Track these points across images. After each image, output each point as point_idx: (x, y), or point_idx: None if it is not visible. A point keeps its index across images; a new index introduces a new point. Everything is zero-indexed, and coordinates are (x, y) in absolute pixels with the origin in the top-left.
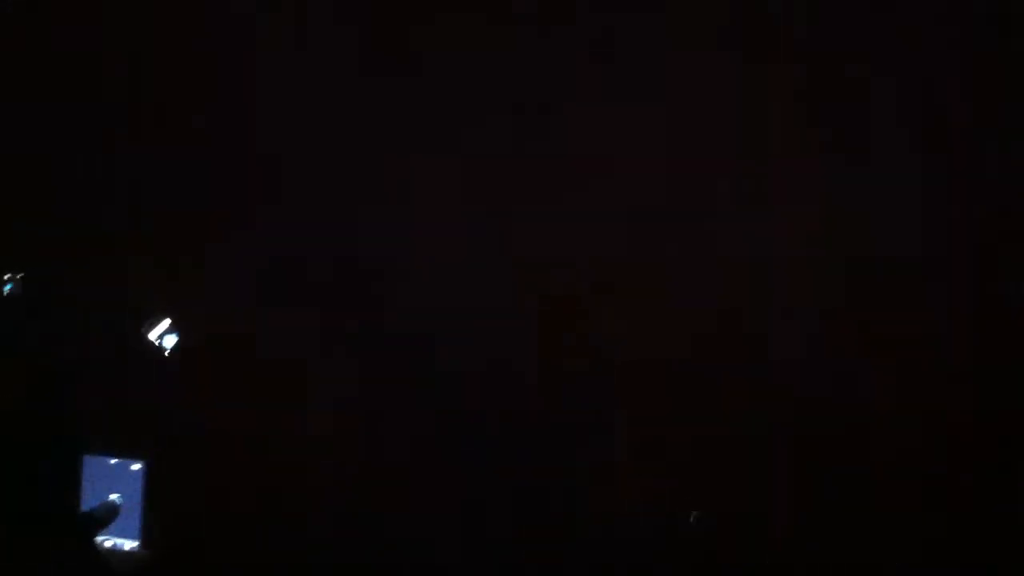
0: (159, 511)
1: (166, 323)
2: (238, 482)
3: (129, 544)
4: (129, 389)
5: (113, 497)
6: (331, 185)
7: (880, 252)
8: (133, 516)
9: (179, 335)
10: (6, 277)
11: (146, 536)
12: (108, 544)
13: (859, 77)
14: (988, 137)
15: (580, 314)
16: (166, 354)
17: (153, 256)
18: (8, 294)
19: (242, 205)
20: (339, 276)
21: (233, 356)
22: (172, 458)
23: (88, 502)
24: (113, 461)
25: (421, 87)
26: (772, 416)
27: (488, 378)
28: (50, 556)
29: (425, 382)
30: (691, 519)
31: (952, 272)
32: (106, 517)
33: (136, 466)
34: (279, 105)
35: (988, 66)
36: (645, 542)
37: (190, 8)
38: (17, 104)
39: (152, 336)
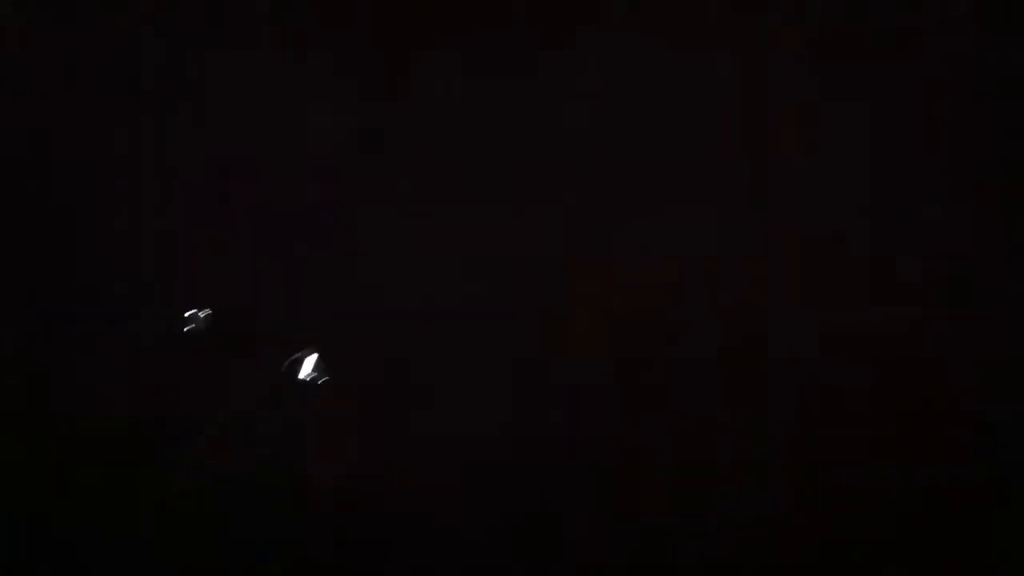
0: None
1: None
2: None
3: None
4: None
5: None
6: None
7: (879, 250)
8: None
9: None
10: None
11: None
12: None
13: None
14: (993, 135)
15: (578, 312)
16: None
17: None
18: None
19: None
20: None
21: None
22: None
23: None
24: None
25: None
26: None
27: (488, 375)
28: None
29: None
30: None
31: (951, 271)
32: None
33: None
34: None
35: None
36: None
37: None
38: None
39: None
